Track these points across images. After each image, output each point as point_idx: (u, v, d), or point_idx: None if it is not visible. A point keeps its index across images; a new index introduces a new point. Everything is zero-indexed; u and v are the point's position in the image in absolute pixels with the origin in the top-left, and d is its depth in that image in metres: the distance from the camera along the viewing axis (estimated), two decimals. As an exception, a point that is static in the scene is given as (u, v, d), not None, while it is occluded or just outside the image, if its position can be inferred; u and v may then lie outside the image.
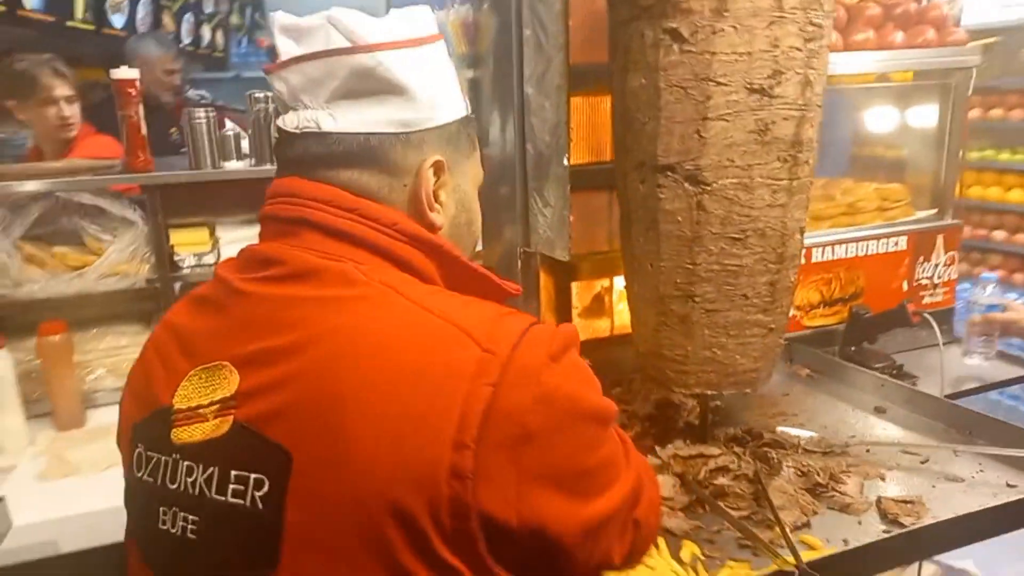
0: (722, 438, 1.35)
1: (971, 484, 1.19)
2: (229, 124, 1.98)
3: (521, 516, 0.66)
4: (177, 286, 1.85)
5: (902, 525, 1.07)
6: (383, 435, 0.64)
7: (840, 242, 1.88)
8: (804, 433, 1.38)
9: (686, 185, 1.14)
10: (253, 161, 1.87)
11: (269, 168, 1.93)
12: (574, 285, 1.61)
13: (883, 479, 1.23)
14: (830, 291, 1.90)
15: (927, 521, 1.08)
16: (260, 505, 0.65)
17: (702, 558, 1.04)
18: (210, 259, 1.90)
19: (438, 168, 0.80)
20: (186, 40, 5.02)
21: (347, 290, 0.70)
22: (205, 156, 1.80)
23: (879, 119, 2.21)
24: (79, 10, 3.86)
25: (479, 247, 1.08)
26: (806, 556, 0.99)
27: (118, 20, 4.32)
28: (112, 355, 1.80)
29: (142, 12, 4.61)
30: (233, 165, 1.85)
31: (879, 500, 1.15)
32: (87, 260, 1.75)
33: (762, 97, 1.08)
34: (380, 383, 0.65)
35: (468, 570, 0.66)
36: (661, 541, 1.07)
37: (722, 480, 1.20)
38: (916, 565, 1.39)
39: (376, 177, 0.77)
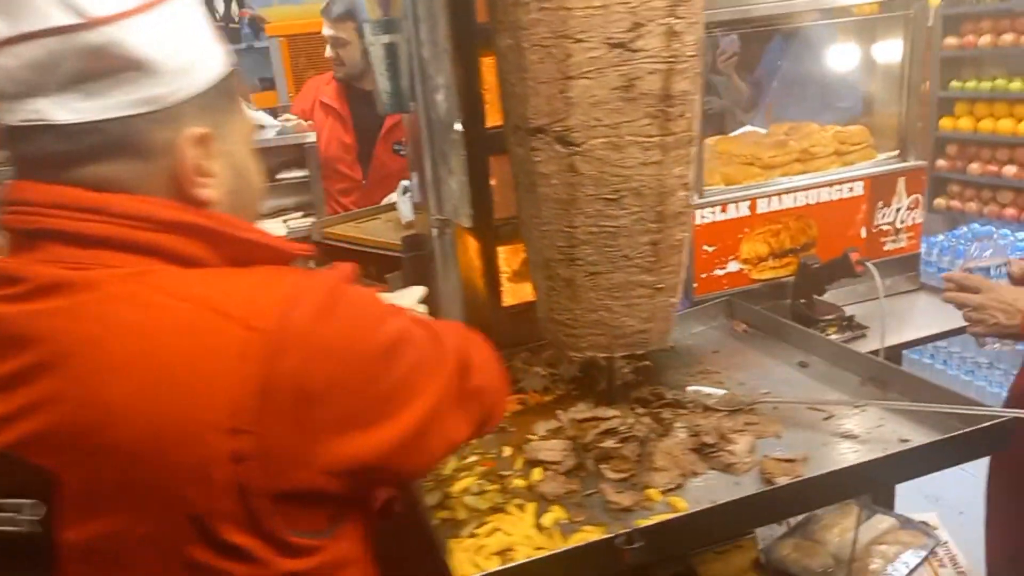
0: (630, 399, 1.35)
1: (864, 440, 1.17)
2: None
3: (328, 470, 0.68)
4: None
5: (773, 484, 1.06)
6: (157, 441, 0.63)
7: (788, 191, 1.81)
8: (716, 391, 1.36)
9: (557, 147, 1.11)
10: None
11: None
12: (501, 250, 1.60)
13: (779, 437, 1.22)
14: (779, 242, 1.84)
15: (791, 480, 1.06)
16: (38, 528, 0.65)
17: (563, 522, 1.04)
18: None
19: (201, 140, 0.72)
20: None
21: (94, 296, 0.66)
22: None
23: (842, 57, 2.11)
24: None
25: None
26: (656, 519, 0.99)
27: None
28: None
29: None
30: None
31: (763, 460, 1.14)
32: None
33: (623, 51, 1.04)
34: (143, 389, 0.64)
35: (266, 546, 0.67)
36: (530, 506, 1.08)
37: (608, 443, 1.20)
38: (856, 514, 1.37)
39: (126, 166, 0.69)
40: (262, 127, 2.10)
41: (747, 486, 1.09)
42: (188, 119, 0.71)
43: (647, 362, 1.48)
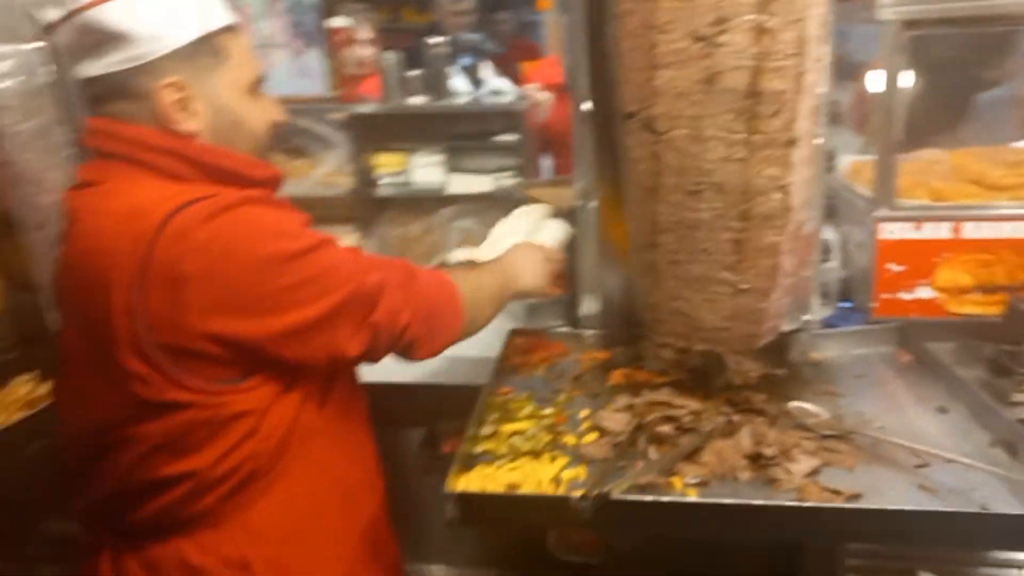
0: (723, 397, 1.34)
1: (941, 496, 1.04)
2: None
3: (203, 336, 0.91)
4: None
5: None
6: (95, 292, 0.93)
7: (1011, 218, 1.56)
8: (819, 412, 1.29)
9: (644, 133, 1.16)
10: (430, 98, 2.20)
11: (444, 104, 2.25)
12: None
13: (850, 470, 1.13)
14: (989, 275, 1.59)
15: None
16: None
17: (578, 481, 1.12)
18: (401, 179, 2.31)
19: (174, 87, 0.97)
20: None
21: (100, 191, 0.98)
22: (394, 92, 2.19)
23: None
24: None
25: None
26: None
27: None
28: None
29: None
30: (414, 100, 2.20)
31: (808, 482, 1.08)
32: (306, 169, 2.28)
33: (707, 45, 1.06)
34: (100, 255, 0.94)
35: (154, 376, 0.93)
36: (562, 460, 1.17)
37: (665, 428, 1.23)
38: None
39: (126, 105, 0.98)
40: (499, 92, 2.36)
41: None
42: (164, 71, 0.97)
43: (781, 371, 1.44)
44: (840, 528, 1.04)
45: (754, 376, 1.41)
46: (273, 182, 1.09)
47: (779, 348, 1.52)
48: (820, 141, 1.40)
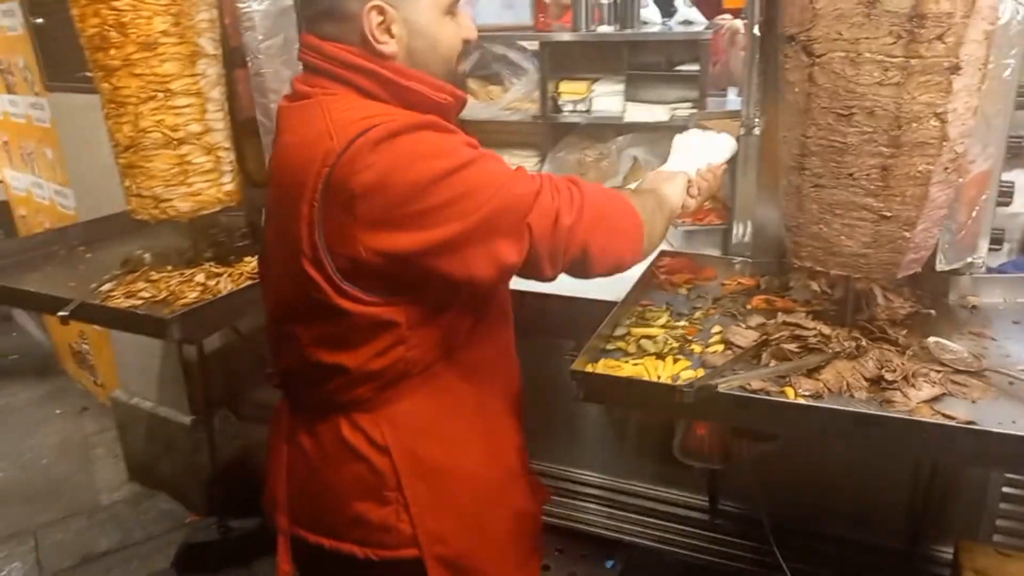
0: (859, 326, 1.35)
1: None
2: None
3: (367, 250, 1.01)
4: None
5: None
6: (289, 189, 1.07)
7: None
8: (957, 348, 1.27)
9: (802, 56, 1.19)
10: (617, 27, 2.27)
11: (631, 32, 2.30)
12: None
13: (973, 402, 1.13)
14: None
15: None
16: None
17: (689, 379, 1.21)
18: (583, 106, 2.42)
19: (378, 10, 1.05)
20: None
21: (307, 103, 1.09)
22: (582, 20, 2.28)
23: None
24: None
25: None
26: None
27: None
28: (505, 167, 2.51)
29: None
30: (603, 29, 2.28)
31: (921, 405, 1.10)
32: (498, 95, 2.45)
33: (872, -35, 1.06)
34: (296, 167, 1.06)
35: (325, 282, 1.06)
36: (683, 362, 1.27)
37: (791, 346, 1.28)
38: None
39: (336, 26, 1.08)
40: (689, 22, 2.38)
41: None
42: None
43: (931, 311, 1.43)
44: (937, 445, 1.05)
45: (902, 313, 1.41)
46: (455, 105, 1.16)
47: (936, 287, 1.49)
48: (1009, 71, 1.34)
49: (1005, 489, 1.73)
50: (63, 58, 2.54)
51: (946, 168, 1.17)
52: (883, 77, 1.11)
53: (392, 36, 1.09)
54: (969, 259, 1.46)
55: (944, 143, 1.14)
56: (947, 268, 1.44)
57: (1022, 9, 1.29)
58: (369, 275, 1.05)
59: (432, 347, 1.15)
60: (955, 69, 1.09)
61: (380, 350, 1.12)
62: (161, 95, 1.71)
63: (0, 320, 4.78)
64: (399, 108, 1.08)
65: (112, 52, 1.67)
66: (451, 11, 1.13)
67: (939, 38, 1.07)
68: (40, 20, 2.49)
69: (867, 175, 1.18)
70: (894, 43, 1.08)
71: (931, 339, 1.30)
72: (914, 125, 1.12)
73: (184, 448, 2.87)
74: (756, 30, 1.44)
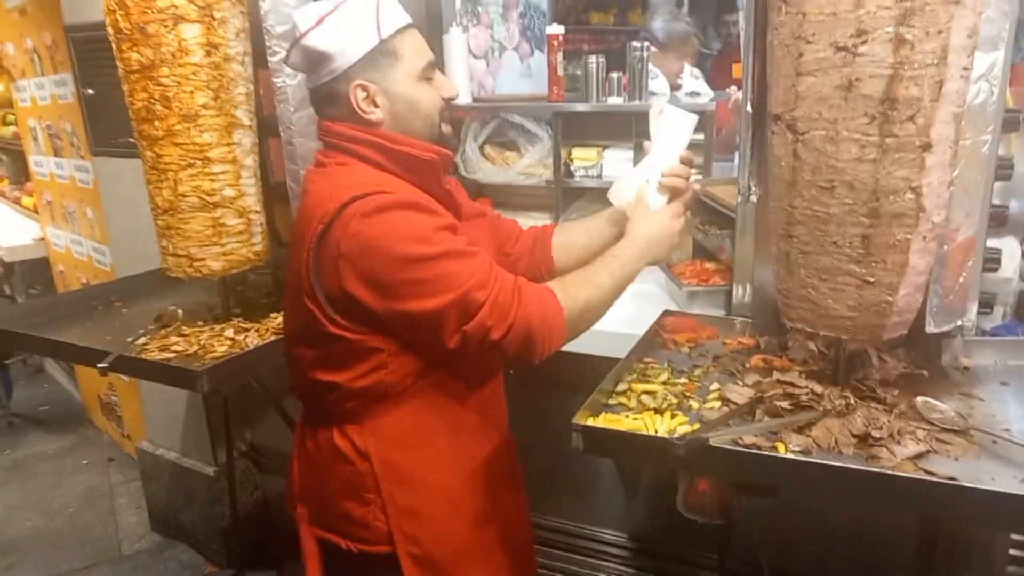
0: (850, 385, 1.42)
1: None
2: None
3: (347, 296, 1.23)
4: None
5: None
6: (298, 239, 1.31)
7: None
8: (945, 408, 1.33)
9: (787, 134, 1.28)
10: (625, 98, 2.40)
11: (639, 104, 2.43)
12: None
13: (956, 459, 1.19)
14: None
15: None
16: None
17: (683, 433, 1.28)
18: (594, 171, 2.54)
19: (361, 88, 1.29)
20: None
21: (321, 172, 1.34)
22: (592, 93, 2.42)
23: None
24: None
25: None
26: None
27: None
28: (520, 228, 2.63)
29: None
30: (613, 100, 2.42)
31: (906, 463, 1.16)
32: (513, 160, 2.58)
33: (847, 55, 1.16)
34: (305, 221, 1.29)
35: (320, 314, 1.29)
36: (681, 418, 1.34)
37: (783, 403, 1.34)
38: None
39: (335, 107, 1.32)
40: (696, 94, 2.51)
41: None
42: (353, 76, 1.29)
43: (923, 371, 1.49)
44: (911, 499, 1.10)
45: (895, 373, 1.48)
46: (441, 162, 1.36)
47: (929, 349, 1.55)
48: (986, 147, 1.43)
49: (1012, 551, 1.74)
50: (108, 125, 2.72)
51: (924, 237, 1.24)
52: (861, 154, 1.20)
53: (377, 106, 1.32)
54: (959, 322, 1.53)
55: (921, 214, 1.22)
56: (936, 331, 1.50)
57: (995, 91, 1.39)
58: (352, 311, 1.27)
59: (410, 372, 1.35)
60: (927, 147, 1.18)
61: (365, 371, 1.33)
62: (199, 162, 1.85)
63: (32, 372, 4.94)
64: (395, 178, 1.29)
65: (156, 123, 1.82)
66: (425, 76, 1.35)
67: (910, 119, 1.16)
68: (90, 91, 2.68)
69: (850, 243, 1.26)
70: (869, 123, 1.18)
71: (919, 399, 1.36)
72: (892, 197, 1.21)
73: (205, 498, 2.94)
74: (749, 107, 1.54)
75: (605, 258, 1.42)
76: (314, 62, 1.31)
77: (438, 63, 2.59)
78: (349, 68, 1.29)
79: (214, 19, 1.77)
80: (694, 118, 1.53)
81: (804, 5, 1.19)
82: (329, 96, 1.32)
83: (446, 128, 1.40)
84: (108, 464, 3.80)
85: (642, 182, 1.53)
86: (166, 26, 1.73)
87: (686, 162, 1.53)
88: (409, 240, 1.21)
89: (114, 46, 1.82)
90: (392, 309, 1.23)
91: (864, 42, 1.14)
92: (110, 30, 1.81)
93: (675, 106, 1.56)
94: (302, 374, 1.41)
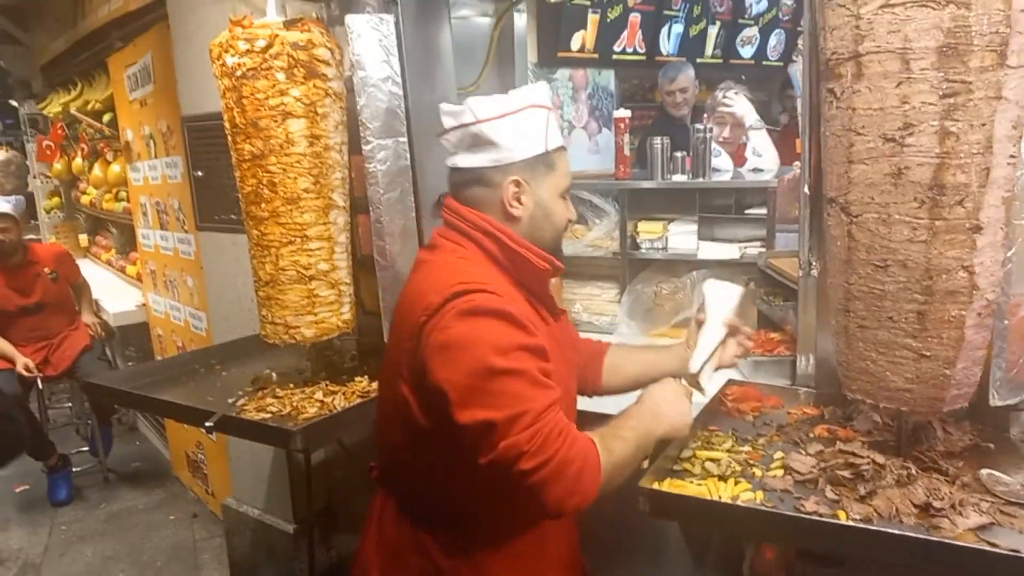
0: (913, 454, 1.46)
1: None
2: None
3: (428, 382, 1.26)
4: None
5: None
6: (399, 332, 1.37)
7: None
8: (1011, 481, 1.36)
9: (841, 215, 1.38)
10: (691, 175, 2.52)
11: (702, 182, 2.55)
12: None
13: (1021, 532, 1.21)
14: None
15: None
16: None
17: (751, 501, 1.34)
18: (660, 244, 2.65)
19: (516, 184, 1.36)
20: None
21: (434, 256, 1.41)
22: (658, 171, 2.55)
23: None
24: (708, 48, 4.94)
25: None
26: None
27: (746, 51, 5.27)
28: (588, 299, 2.74)
29: (774, 42, 5.45)
30: (678, 177, 2.54)
31: (968, 533, 1.19)
32: (582, 234, 2.72)
33: (895, 145, 1.26)
34: (408, 308, 1.35)
35: (413, 402, 1.33)
36: (744, 484, 1.40)
37: (844, 473, 1.39)
38: None
39: (480, 191, 1.38)
40: (759, 170, 2.61)
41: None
42: (513, 171, 1.37)
43: (990, 444, 1.52)
44: (971, 570, 1.13)
45: (960, 445, 1.51)
46: (551, 272, 1.43)
47: (997, 422, 1.58)
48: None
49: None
50: (213, 204, 3.00)
51: (979, 313, 1.30)
52: (912, 235, 1.28)
53: (522, 204, 1.39)
54: (1026, 395, 1.55)
55: (975, 291, 1.29)
56: (1001, 404, 1.53)
57: (1048, 172, 1.45)
58: (433, 406, 1.28)
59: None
60: (976, 229, 1.25)
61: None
62: (299, 240, 2.04)
63: (126, 429, 5.24)
64: (502, 275, 1.37)
65: (263, 205, 2.03)
66: (564, 195, 1.44)
67: (959, 203, 1.24)
68: (200, 173, 2.97)
69: (905, 319, 1.33)
70: (919, 207, 1.26)
71: (984, 471, 1.39)
72: (944, 276, 1.28)
73: (285, 555, 3.07)
74: (806, 188, 1.64)
75: (629, 421, 1.40)
76: (478, 145, 1.38)
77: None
78: (513, 163, 1.37)
79: (317, 114, 1.99)
80: (740, 290, 1.64)
81: (853, 100, 1.30)
82: (480, 180, 1.39)
83: (562, 245, 1.50)
84: (193, 520, 3.99)
85: (714, 361, 1.60)
86: (276, 121, 1.96)
87: (733, 330, 1.62)
88: (491, 350, 1.22)
89: (229, 137, 2.06)
90: (453, 411, 1.23)
91: (911, 134, 1.24)
92: (227, 124, 2.05)
93: (720, 280, 1.68)
94: (389, 457, 1.49)
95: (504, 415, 1.20)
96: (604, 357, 1.69)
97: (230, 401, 2.10)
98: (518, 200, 1.38)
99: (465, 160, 1.40)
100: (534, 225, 1.40)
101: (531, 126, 1.38)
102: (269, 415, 2.01)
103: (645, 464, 1.40)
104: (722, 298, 1.62)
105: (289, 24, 1.99)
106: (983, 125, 1.21)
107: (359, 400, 2.11)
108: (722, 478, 1.44)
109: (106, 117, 4.64)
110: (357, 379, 2.26)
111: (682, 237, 2.63)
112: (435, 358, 1.25)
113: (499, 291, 1.30)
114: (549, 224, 1.43)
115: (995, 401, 1.53)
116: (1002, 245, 1.29)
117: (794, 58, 5.42)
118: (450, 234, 1.41)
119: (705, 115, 2.87)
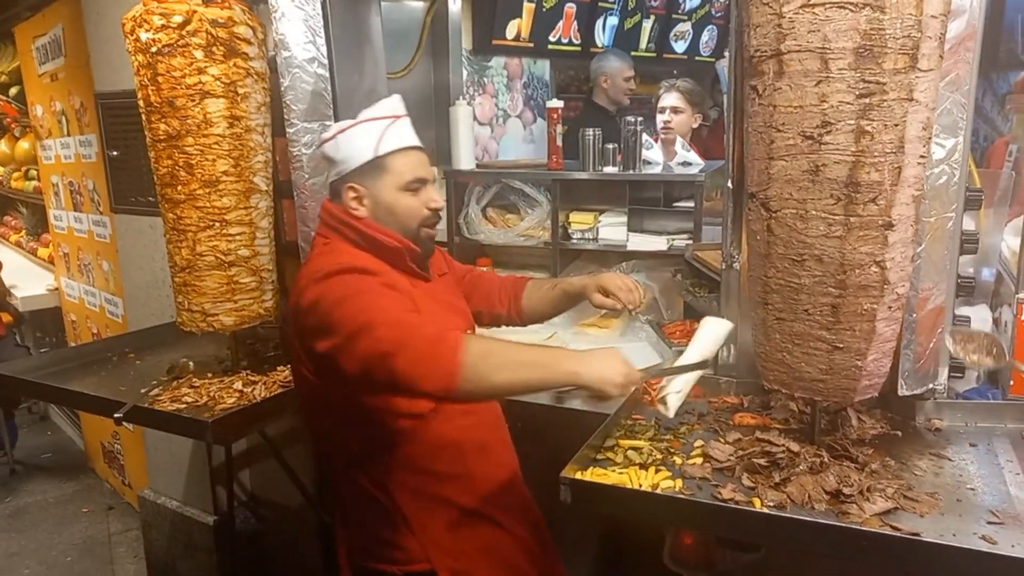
0: (826, 442, 1.50)
1: (999, 548, 1.15)
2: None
3: (312, 350, 1.49)
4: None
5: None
6: (290, 322, 1.59)
7: None
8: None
9: (761, 210, 1.40)
10: (621, 168, 2.54)
11: (632, 174, 2.57)
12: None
13: (922, 516, 1.26)
14: None
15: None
16: None
17: (670, 489, 1.36)
18: (591, 235, 2.67)
19: (351, 189, 1.59)
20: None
21: (310, 253, 1.63)
22: (590, 162, 2.56)
23: None
24: (642, 41, 4.99)
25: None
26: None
27: (679, 46, 5.35)
28: (518, 288, 2.74)
29: (706, 37, 5.54)
30: (609, 169, 2.56)
31: (874, 518, 1.24)
32: (514, 223, 2.71)
33: (813, 143, 1.29)
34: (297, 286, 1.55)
35: (312, 378, 1.57)
36: (665, 472, 1.42)
37: (760, 460, 1.43)
38: None
39: (335, 199, 1.63)
40: (688, 164, 2.66)
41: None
42: (349, 180, 1.59)
43: (897, 432, 1.58)
44: (876, 553, 1.17)
45: (871, 433, 1.56)
46: (404, 251, 1.61)
47: (905, 411, 1.64)
48: (951, 223, 1.55)
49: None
50: (129, 185, 2.86)
51: (890, 307, 1.35)
52: (828, 231, 1.31)
53: (363, 206, 1.61)
54: (931, 385, 1.62)
55: (886, 286, 1.33)
56: (908, 394, 1.59)
57: (957, 173, 1.51)
58: (324, 369, 1.50)
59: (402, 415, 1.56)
60: (888, 226, 1.29)
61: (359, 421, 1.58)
62: (217, 224, 1.97)
63: (37, 419, 4.99)
64: (365, 255, 1.56)
65: (179, 188, 1.95)
66: (410, 189, 1.60)
67: (872, 201, 1.28)
68: (115, 152, 2.83)
69: (820, 311, 1.36)
70: (835, 204, 1.29)
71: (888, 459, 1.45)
72: (857, 271, 1.32)
73: (205, 548, 2.98)
74: (730, 183, 1.67)
75: (545, 347, 1.65)
76: (328, 163, 1.64)
77: (446, 133, 2.78)
78: (347, 173, 1.59)
79: (237, 94, 1.92)
80: (730, 325, 1.67)
81: (775, 98, 1.32)
82: (333, 191, 1.65)
83: (424, 232, 1.65)
84: (108, 512, 3.83)
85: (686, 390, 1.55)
86: (193, 100, 1.88)
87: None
88: (341, 288, 1.45)
89: (143, 116, 1.96)
90: (326, 348, 1.44)
91: (829, 132, 1.27)
92: (141, 102, 1.95)
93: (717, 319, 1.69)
94: (317, 434, 1.64)
95: (364, 320, 1.40)
96: (523, 288, 1.91)
97: (143, 391, 2.02)
98: (358, 203, 1.60)
99: (328, 174, 1.65)
100: (379, 220, 1.60)
101: (361, 138, 1.58)
102: (184, 406, 1.93)
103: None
104: (714, 334, 1.63)
105: (208, 0, 1.91)
106: (896, 125, 1.24)
107: (280, 390, 2.06)
108: (643, 466, 1.46)
109: (13, 91, 4.38)
110: (279, 368, 2.21)
111: (613, 228, 2.65)
112: (305, 319, 1.49)
113: (354, 261, 1.51)
114: (393, 218, 1.60)
115: (903, 391, 1.60)
116: (912, 241, 1.34)
117: (724, 54, 5.54)
118: (321, 229, 1.64)
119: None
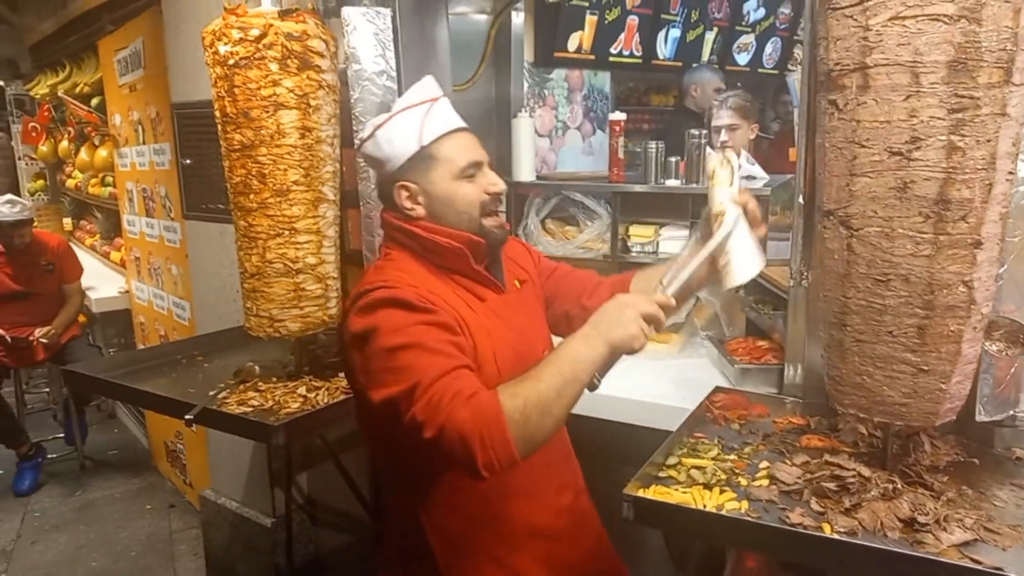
0: (899, 468, 1.44)
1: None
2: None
3: (349, 377, 1.43)
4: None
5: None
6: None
7: None
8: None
9: (840, 229, 1.36)
10: (684, 181, 2.50)
11: (696, 187, 2.53)
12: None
13: (1004, 549, 1.20)
14: None
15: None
16: None
17: (737, 512, 1.33)
18: (650, 248, 2.64)
19: (403, 188, 1.45)
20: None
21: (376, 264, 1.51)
22: (652, 175, 2.53)
23: None
24: (704, 53, 4.93)
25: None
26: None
27: (742, 58, 5.28)
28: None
29: (770, 49, 5.46)
30: (671, 182, 2.53)
31: (952, 550, 1.18)
32: (573, 235, 2.70)
33: (901, 159, 1.24)
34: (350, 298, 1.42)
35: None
36: (730, 494, 1.38)
37: (830, 485, 1.38)
38: None
39: (388, 202, 1.50)
40: (751, 178, 2.60)
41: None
42: (397, 177, 1.45)
43: (974, 460, 1.51)
44: None
45: (945, 459, 1.50)
46: (466, 249, 1.43)
47: (982, 437, 1.57)
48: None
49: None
50: (200, 192, 2.95)
51: (974, 327, 1.29)
52: (916, 249, 1.26)
53: (419, 203, 1.45)
54: (1011, 412, 1.54)
55: (972, 306, 1.27)
56: (987, 420, 1.52)
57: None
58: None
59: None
60: (977, 244, 1.24)
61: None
62: (287, 232, 2.01)
63: (105, 417, 5.17)
64: (419, 268, 1.44)
65: (251, 196, 1.99)
66: (465, 175, 1.44)
67: (963, 219, 1.23)
68: (188, 160, 2.92)
69: (905, 333, 1.31)
70: (924, 222, 1.24)
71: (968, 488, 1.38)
72: (945, 291, 1.27)
73: (262, 549, 3.03)
74: (800, 199, 1.63)
75: (550, 355, 1.35)
76: (372, 164, 1.52)
77: (507, 145, 2.79)
78: (394, 171, 1.45)
79: (310, 106, 1.96)
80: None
81: (858, 112, 1.28)
82: (382, 194, 1.52)
83: (489, 220, 1.47)
84: (169, 510, 3.94)
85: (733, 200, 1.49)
86: (267, 111, 1.92)
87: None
88: (385, 332, 1.29)
89: (219, 127, 2.02)
90: (367, 396, 1.33)
91: (918, 148, 1.22)
92: (217, 113, 2.01)
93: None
94: (371, 443, 1.58)
95: (401, 388, 1.25)
96: (629, 286, 1.68)
97: (211, 393, 2.07)
98: (412, 201, 1.45)
99: (375, 177, 1.55)
100: (438, 217, 1.45)
101: (401, 130, 1.44)
102: (250, 409, 1.97)
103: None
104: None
105: (284, 14, 1.95)
106: (988, 141, 1.19)
107: (342, 396, 2.08)
108: (707, 486, 1.42)
109: (94, 101, 4.57)
110: (341, 375, 2.23)
111: (673, 242, 2.61)
112: (347, 354, 1.38)
113: (400, 283, 1.35)
114: (453, 211, 1.45)
115: (981, 417, 1.53)
116: (997, 261, 1.28)
117: (791, 67, 5.44)
118: (384, 241, 1.53)
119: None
